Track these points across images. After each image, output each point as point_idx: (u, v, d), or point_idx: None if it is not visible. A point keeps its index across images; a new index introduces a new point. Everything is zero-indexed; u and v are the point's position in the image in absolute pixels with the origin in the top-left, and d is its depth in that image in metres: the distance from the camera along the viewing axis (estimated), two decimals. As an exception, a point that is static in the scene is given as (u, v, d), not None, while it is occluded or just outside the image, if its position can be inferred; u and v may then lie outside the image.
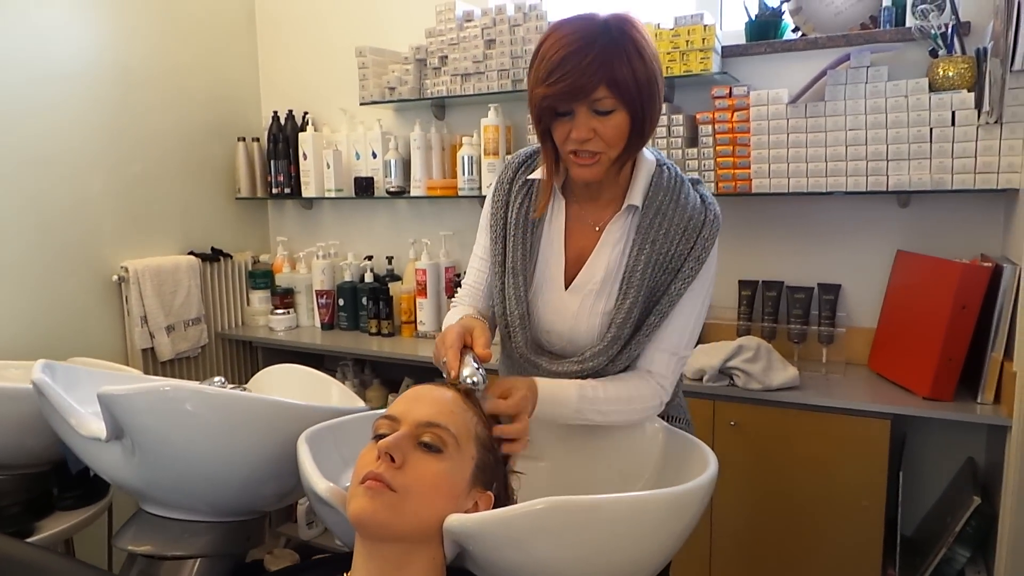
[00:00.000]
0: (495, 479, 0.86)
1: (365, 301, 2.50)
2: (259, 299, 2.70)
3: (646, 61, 0.98)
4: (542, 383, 1.03)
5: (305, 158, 2.58)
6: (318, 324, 2.63)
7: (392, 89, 2.36)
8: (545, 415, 1.03)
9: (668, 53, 1.92)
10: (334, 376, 1.67)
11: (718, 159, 1.91)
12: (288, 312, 2.63)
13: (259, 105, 2.85)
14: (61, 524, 1.55)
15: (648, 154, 1.12)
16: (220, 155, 2.69)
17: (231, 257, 2.68)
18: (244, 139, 2.69)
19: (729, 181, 1.91)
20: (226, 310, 2.67)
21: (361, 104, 2.42)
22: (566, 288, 1.13)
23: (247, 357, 2.73)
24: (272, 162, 2.64)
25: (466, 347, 0.97)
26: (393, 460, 0.77)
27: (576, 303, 1.11)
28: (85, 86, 2.24)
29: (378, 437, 0.82)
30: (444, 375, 0.94)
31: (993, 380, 1.60)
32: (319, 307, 2.61)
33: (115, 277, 2.31)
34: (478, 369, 0.91)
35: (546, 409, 1.02)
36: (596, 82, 0.95)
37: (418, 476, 0.77)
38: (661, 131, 1.97)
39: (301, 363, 1.59)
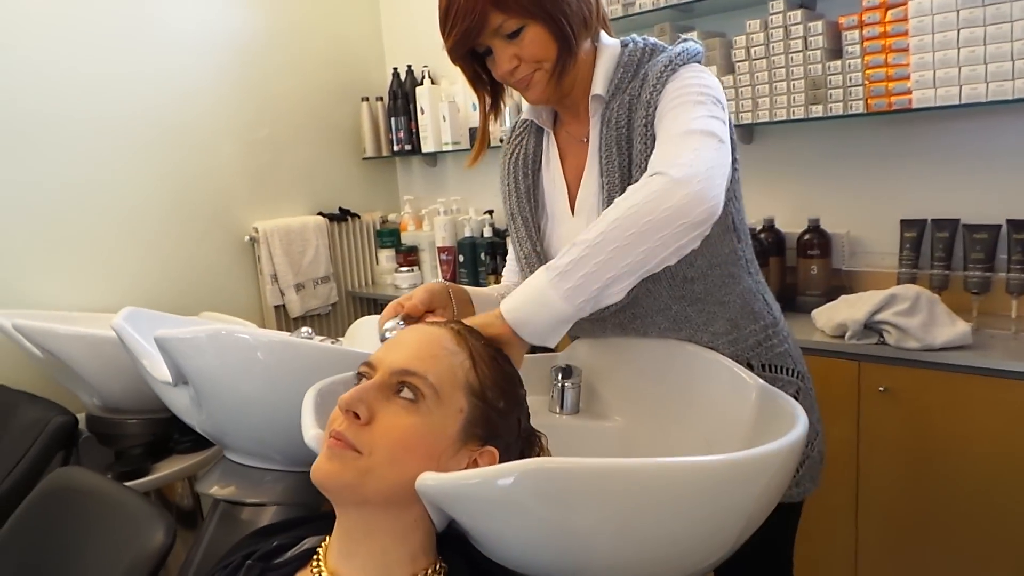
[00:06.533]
0: (501, 433, 0.72)
1: (483, 256, 2.42)
2: (387, 258, 2.73)
3: None
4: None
5: (423, 112, 2.53)
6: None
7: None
8: (533, 321, 0.77)
9: (804, -52, 1.61)
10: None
11: (867, 70, 1.57)
12: (412, 270, 2.63)
13: (383, 63, 2.85)
14: (176, 465, 1.65)
15: (610, 40, 1.02)
16: (345, 116, 2.73)
17: (359, 217, 2.73)
18: (367, 99, 2.70)
19: (882, 96, 1.57)
20: (356, 269, 2.74)
21: (472, 50, 2.31)
22: (573, 215, 1.04)
23: (376, 314, 2.77)
24: (392, 119, 2.63)
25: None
26: (358, 417, 0.66)
27: (583, 225, 0.98)
28: (209, 54, 2.34)
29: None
30: None
31: None
32: (441, 263, 2.58)
33: (247, 238, 2.43)
34: (399, 323, 0.87)
35: (526, 311, 0.77)
36: (482, 13, 0.90)
37: (385, 432, 0.66)
38: (796, 44, 1.66)
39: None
